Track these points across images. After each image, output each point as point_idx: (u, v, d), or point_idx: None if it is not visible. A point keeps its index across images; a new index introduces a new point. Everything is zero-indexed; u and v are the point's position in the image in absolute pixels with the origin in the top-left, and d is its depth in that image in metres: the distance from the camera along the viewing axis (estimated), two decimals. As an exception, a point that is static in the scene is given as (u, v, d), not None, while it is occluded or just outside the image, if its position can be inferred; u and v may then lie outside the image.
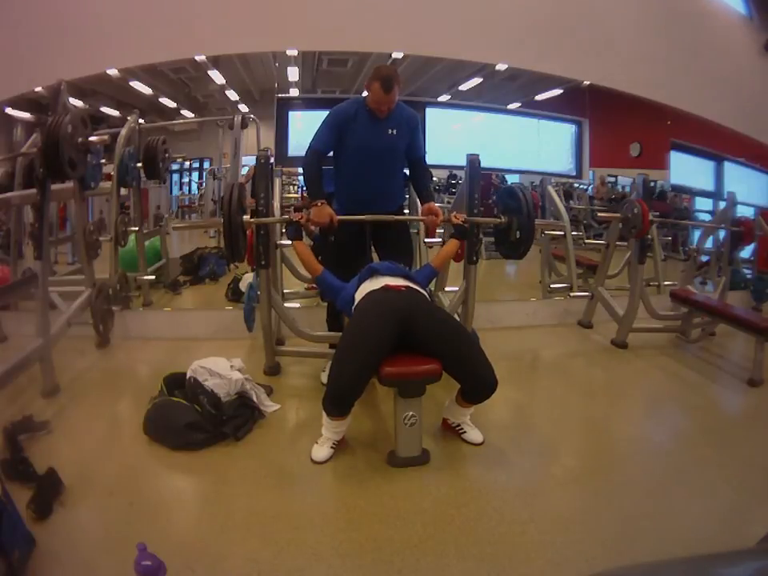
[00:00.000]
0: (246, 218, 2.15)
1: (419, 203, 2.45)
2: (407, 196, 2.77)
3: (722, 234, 3.66)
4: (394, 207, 2.39)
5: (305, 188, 2.59)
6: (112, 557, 1.34)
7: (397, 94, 2.12)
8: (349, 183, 2.33)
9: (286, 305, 2.63)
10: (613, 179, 4.84)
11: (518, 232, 2.33)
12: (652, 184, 3.62)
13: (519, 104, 4.25)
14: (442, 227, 2.60)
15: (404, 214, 2.60)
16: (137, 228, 3.37)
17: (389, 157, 2.27)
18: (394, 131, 2.22)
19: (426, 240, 2.79)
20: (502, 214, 2.39)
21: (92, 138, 2.30)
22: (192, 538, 1.45)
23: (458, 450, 1.92)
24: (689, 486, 1.76)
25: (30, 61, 3.14)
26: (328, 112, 2.24)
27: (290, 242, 2.25)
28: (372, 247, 2.38)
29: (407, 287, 1.93)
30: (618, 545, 1.45)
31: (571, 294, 3.65)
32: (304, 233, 2.21)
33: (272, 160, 2.37)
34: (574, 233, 4.06)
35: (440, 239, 2.76)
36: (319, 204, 2.10)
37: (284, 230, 2.46)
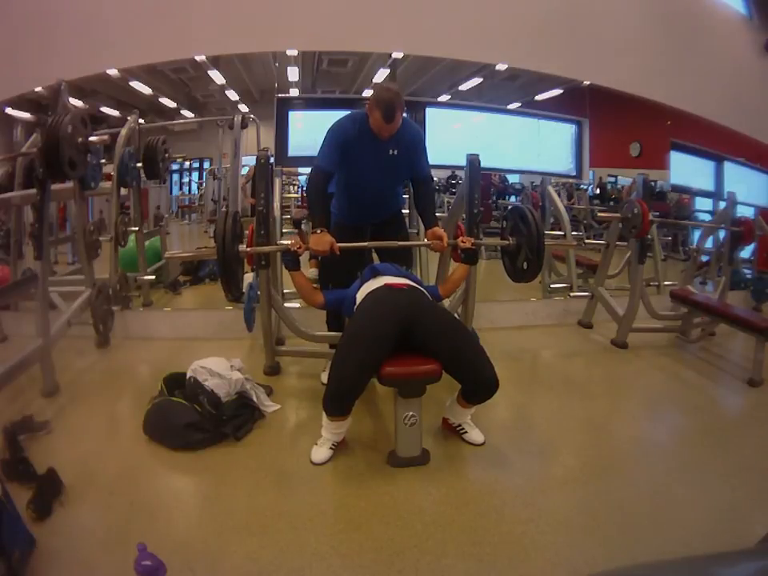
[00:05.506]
0: (242, 247, 2.09)
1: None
2: (406, 196, 2.77)
3: (722, 233, 3.67)
4: (392, 211, 2.43)
5: (306, 196, 2.56)
6: (112, 557, 1.34)
7: (400, 120, 2.04)
8: (348, 196, 2.33)
9: (285, 305, 2.64)
10: (613, 179, 4.85)
11: (525, 263, 2.24)
12: (652, 184, 3.62)
13: (519, 104, 4.25)
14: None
15: (402, 216, 2.60)
16: (137, 228, 3.37)
17: (389, 176, 2.24)
18: (395, 151, 2.15)
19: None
20: (510, 235, 2.30)
21: (92, 138, 2.30)
22: (192, 538, 1.45)
23: (458, 450, 1.92)
24: (689, 486, 1.76)
25: (30, 61, 3.14)
26: (329, 128, 2.16)
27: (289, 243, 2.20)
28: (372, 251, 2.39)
29: (408, 285, 1.94)
30: (618, 545, 1.45)
31: (571, 294, 3.67)
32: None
33: (272, 160, 2.37)
34: (573, 233, 4.07)
35: None
36: (319, 232, 2.05)
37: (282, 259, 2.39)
